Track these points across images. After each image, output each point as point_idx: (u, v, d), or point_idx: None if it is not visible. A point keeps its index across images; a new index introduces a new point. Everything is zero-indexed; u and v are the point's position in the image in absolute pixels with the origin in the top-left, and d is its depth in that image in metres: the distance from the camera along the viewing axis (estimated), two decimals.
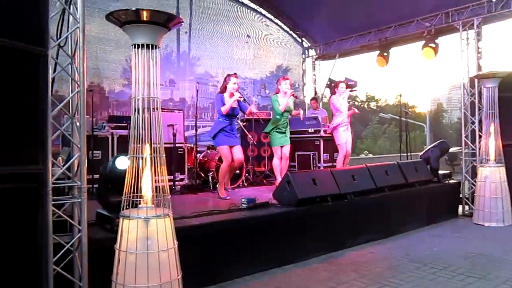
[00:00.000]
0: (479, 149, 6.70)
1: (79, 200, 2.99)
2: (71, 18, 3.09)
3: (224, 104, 5.82)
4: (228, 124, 5.91)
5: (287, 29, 11.04)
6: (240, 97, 5.93)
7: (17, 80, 2.00)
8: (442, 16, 8.07)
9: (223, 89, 5.97)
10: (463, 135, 7.32)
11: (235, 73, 6.08)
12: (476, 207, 6.55)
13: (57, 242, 2.80)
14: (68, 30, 3.09)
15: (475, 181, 6.78)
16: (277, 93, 6.70)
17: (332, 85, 9.41)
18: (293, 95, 6.62)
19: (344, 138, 7.26)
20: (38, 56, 2.14)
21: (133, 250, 2.79)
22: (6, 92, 1.92)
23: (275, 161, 6.71)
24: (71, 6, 3.04)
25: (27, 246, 2.00)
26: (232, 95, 5.87)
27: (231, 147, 5.93)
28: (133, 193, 2.85)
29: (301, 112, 7.21)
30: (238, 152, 5.97)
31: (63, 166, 2.95)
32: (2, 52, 1.94)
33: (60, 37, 3.06)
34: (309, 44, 11.40)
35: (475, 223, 6.47)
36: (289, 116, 6.80)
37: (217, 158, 7.00)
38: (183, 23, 3.12)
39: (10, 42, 1.96)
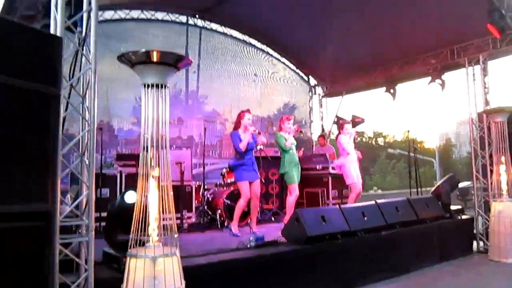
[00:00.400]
0: (491, 183, 6.61)
1: (87, 238, 2.97)
2: (83, 58, 3.17)
3: (241, 141, 5.88)
4: (247, 159, 5.97)
5: (294, 67, 11.21)
6: (255, 131, 5.97)
7: (29, 119, 2.04)
8: (447, 53, 8.17)
9: (237, 125, 6.05)
10: (474, 170, 7.25)
11: (248, 110, 6.20)
12: (491, 243, 6.40)
13: (63, 282, 2.76)
14: (80, 70, 3.17)
15: (488, 217, 6.66)
16: (279, 131, 6.70)
17: (339, 124, 9.46)
18: (297, 131, 6.63)
19: (354, 177, 7.18)
20: (50, 96, 2.18)
21: None
22: (18, 131, 1.95)
23: (293, 199, 6.50)
24: (84, 48, 3.13)
25: (32, 285, 1.97)
26: (246, 128, 5.94)
27: (250, 183, 5.96)
28: (141, 231, 2.82)
29: (301, 152, 7.18)
30: (256, 187, 6.03)
31: (72, 204, 2.95)
32: (16, 92, 1.98)
33: (72, 77, 3.13)
34: (316, 82, 11.54)
35: (491, 260, 6.30)
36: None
37: (225, 196, 6.96)
38: (191, 64, 3.18)
39: (24, 82, 2.00)
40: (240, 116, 6.07)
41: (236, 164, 5.97)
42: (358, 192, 7.19)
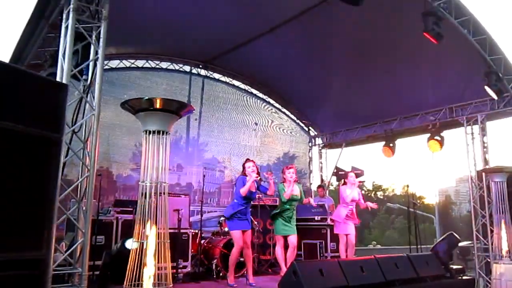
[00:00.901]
0: (492, 244, 6.51)
1: None
2: (87, 105, 3.22)
3: (244, 185, 5.90)
4: (243, 207, 5.95)
5: (294, 118, 11.35)
6: (257, 177, 5.98)
7: (28, 165, 2.03)
8: (446, 111, 8.30)
9: (243, 173, 6.11)
10: (474, 230, 7.17)
11: (247, 159, 6.28)
12: None
13: None
14: (83, 117, 3.21)
15: (490, 278, 6.50)
16: (283, 182, 6.71)
17: (339, 175, 9.47)
18: (295, 181, 6.60)
19: (343, 229, 7.01)
20: (52, 142, 2.18)
21: None
22: (17, 177, 1.94)
23: (278, 250, 6.47)
24: (89, 95, 3.19)
25: None
26: (250, 176, 5.97)
27: (243, 232, 5.91)
28: (136, 280, 2.75)
29: (311, 199, 7.12)
30: (247, 237, 5.99)
31: (66, 251, 2.90)
32: (16, 138, 1.99)
33: (75, 123, 3.16)
34: (316, 133, 11.64)
35: None
36: (297, 204, 6.72)
37: (221, 245, 6.84)
38: (193, 111, 3.23)
39: (26, 128, 2.02)
40: (244, 167, 6.19)
41: (232, 213, 5.93)
42: (345, 243, 6.98)
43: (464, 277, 6.99)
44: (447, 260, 6.87)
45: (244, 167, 6.15)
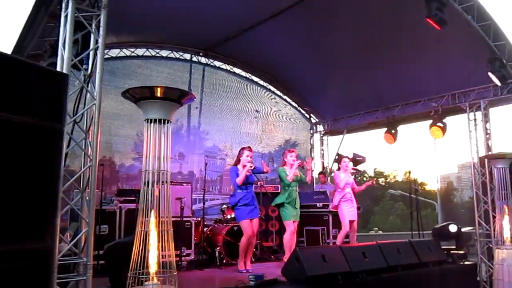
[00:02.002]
0: (494, 230, 6.53)
1: (85, 277, 2.91)
2: (88, 95, 3.21)
3: (238, 176, 5.97)
4: (246, 193, 6.04)
5: (295, 105, 11.32)
6: (251, 167, 6.01)
7: (31, 156, 2.03)
8: (448, 97, 8.27)
9: (237, 161, 6.18)
10: (476, 215, 7.18)
11: (249, 147, 6.34)
12: None
13: None
14: (84, 106, 3.20)
15: (492, 264, 6.54)
16: (283, 165, 6.71)
17: (336, 159, 9.46)
18: (300, 165, 6.60)
19: (347, 215, 7.02)
20: (54, 132, 2.18)
21: None
22: (19, 168, 1.95)
23: (287, 236, 6.48)
24: (90, 85, 3.18)
25: None
26: (244, 166, 6.01)
27: (251, 220, 6.00)
28: (140, 269, 2.77)
29: (307, 163, 7.09)
30: (255, 225, 6.11)
31: (70, 241, 2.91)
32: (17, 128, 1.99)
33: (76, 113, 3.15)
34: (317, 120, 11.62)
35: None
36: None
37: (224, 233, 6.88)
38: (194, 99, 3.22)
39: (28, 118, 2.01)
40: (240, 153, 6.22)
41: (237, 202, 6.01)
42: (347, 230, 6.99)
43: (466, 262, 7.04)
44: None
45: (239, 154, 6.19)
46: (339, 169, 7.40)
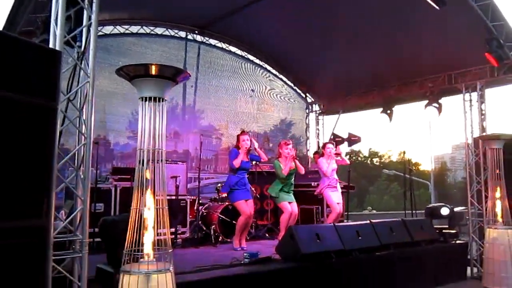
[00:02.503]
0: (486, 209, 6.60)
1: (80, 254, 2.93)
2: (81, 72, 3.18)
3: (236, 158, 6.13)
4: (241, 178, 6.18)
5: (291, 84, 11.26)
6: (246, 148, 6.18)
7: (25, 133, 2.03)
8: (445, 78, 8.24)
9: (237, 146, 6.32)
10: (469, 195, 7.24)
11: (243, 131, 6.47)
12: (485, 270, 6.35)
13: None
14: (78, 84, 3.17)
15: (483, 243, 6.64)
16: (279, 157, 6.70)
17: (339, 141, 9.46)
18: (294, 159, 6.61)
19: (334, 198, 7.09)
20: (48, 110, 2.17)
21: None
22: (14, 145, 1.94)
23: (285, 216, 6.52)
24: (83, 62, 3.14)
25: None
26: (246, 148, 6.22)
27: (246, 200, 6.16)
28: (135, 246, 2.79)
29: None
30: (250, 206, 6.24)
31: (66, 219, 2.92)
32: (13, 106, 1.97)
33: (70, 91, 3.12)
34: (313, 99, 11.59)
35: (485, 287, 6.24)
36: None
37: (219, 211, 6.93)
38: (189, 77, 3.19)
39: (22, 96, 2.00)
40: (237, 139, 6.36)
41: (231, 187, 6.17)
42: (338, 213, 7.06)
43: (458, 241, 7.15)
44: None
45: (238, 139, 6.28)
46: (322, 155, 7.35)
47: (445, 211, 7.37)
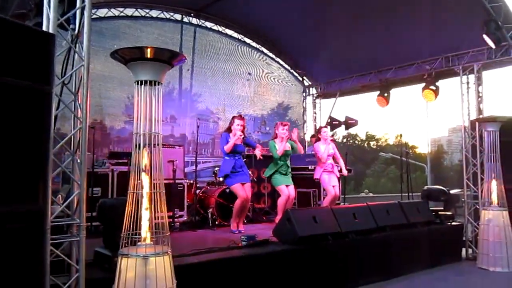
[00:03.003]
0: (481, 192, 6.65)
1: (78, 238, 2.94)
2: (76, 56, 3.14)
3: (227, 143, 6.07)
4: (235, 161, 6.16)
5: (288, 67, 11.21)
6: (241, 135, 6.08)
7: (21, 117, 2.01)
8: (442, 60, 8.22)
9: (228, 129, 6.27)
10: (465, 177, 7.29)
11: (240, 115, 6.39)
12: (480, 251, 6.43)
13: (54, 284, 2.73)
14: (72, 68, 3.14)
15: (478, 224, 6.70)
16: (275, 138, 6.73)
17: (336, 124, 9.47)
18: (289, 138, 6.63)
19: (329, 182, 7.14)
20: (42, 94, 2.15)
21: None
22: (9, 129, 1.93)
23: (282, 199, 6.59)
24: (77, 45, 3.10)
25: None
26: (235, 134, 6.12)
27: (242, 184, 6.14)
28: (133, 230, 2.80)
29: (295, 133, 7.11)
30: (247, 189, 6.22)
31: (63, 203, 2.92)
32: (7, 90, 1.95)
33: (64, 75, 3.09)
34: (310, 83, 11.55)
35: (479, 268, 6.33)
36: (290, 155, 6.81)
37: (217, 195, 6.96)
38: (185, 61, 3.17)
39: (15, 80, 1.98)
40: (231, 122, 6.31)
41: (226, 174, 6.16)
42: (333, 196, 7.13)
43: (453, 223, 7.22)
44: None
45: (231, 123, 6.25)
46: (318, 139, 7.36)
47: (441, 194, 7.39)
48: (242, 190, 6.10)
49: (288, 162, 6.79)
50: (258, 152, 6.36)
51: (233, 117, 6.33)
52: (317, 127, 11.51)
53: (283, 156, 6.59)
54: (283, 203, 6.54)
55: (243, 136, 6.19)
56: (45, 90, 2.16)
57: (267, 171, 6.76)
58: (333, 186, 7.11)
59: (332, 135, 7.68)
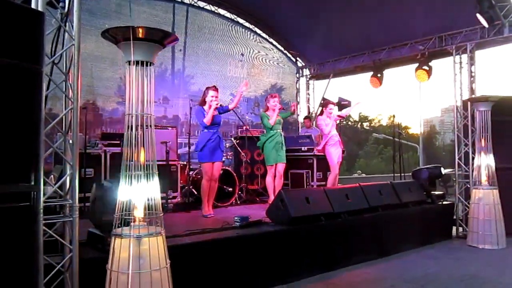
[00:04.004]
0: (472, 171, 6.72)
1: (71, 219, 2.94)
2: (66, 35, 3.09)
3: (205, 116, 5.88)
4: (213, 133, 5.92)
5: (282, 48, 11.14)
6: (217, 104, 5.95)
7: (10, 97, 1.98)
8: (435, 40, 8.20)
9: (202, 102, 6.05)
10: (456, 157, 7.35)
11: (214, 86, 6.14)
12: (470, 229, 6.54)
13: (47, 263, 2.74)
14: (63, 47, 3.09)
15: (468, 203, 6.79)
16: (266, 110, 6.81)
17: (321, 104, 9.48)
18: (281, 108, 6.72)
19: (335, 157, 7.22)
20: (32, 73, 2.12)
21: (125, 270, 2.74)
22: None
23: (268, 179, 6.76)
24: (67, 24, 3.05)
25: (17, 267, 1.95)
26: (210, 107, 5.92)
27: (213, 163, 5.94)
28: (126, 211, 2.81)
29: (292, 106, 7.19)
30: (215, 169, 5.99)
31: (55, 184, 2.91)
32: None
33: (55, 54, 3.05)
34: (303, 64, 11.50)
35: (469, 245, 6.44)
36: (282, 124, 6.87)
37: None
38: (178, 41, 3.13)
39: (3, 59, 1.94)
40: (204, 93, 6.06)
41: (206, 143, 5.86)
42: (337, 173, 7.26)
43: (444, 202, 7.30)
44: (428, 186, 7.12)
45: (204, 94, 6.02)
46: (322, 113, 7.42)
47: (425, 173, 7.41)
48: (210, 170, 5.86)
49: (281, 132, 6.81)
50: (234, 103, 6.19)
51: (207, 88, 6.06)
52: (311, 109, 11.53)
53: (275, 125, 6.66)
54: (270, 182, 6.72)
55: (219, 104, 5.96)
56: (34, 69, 2.13)
57: (260, 142, 6.86)
58: (338, 163, 7.23)
59: (341, 117, 7.71)
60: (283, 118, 6.94)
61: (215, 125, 5.99)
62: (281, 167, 6.73)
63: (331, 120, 7.24)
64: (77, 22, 3.05)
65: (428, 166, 7.82)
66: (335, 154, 7.18)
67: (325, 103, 7.74)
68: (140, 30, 2.82)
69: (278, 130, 6.75)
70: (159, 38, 2.89)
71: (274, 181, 6.71)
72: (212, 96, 5.93)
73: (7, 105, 1.96)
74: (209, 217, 5.84)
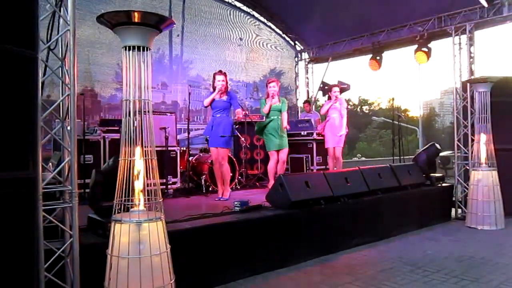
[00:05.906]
0: (472, 152, 6.72)
1: (70, 205, 2.94)
2: (61, 20, 3.06)
3: (208, 97, 6.07)
4: (214, 119, 6.02)
5: (280, 32, 11.06)
6: (220, 90, 5.95)
7: (5, 83, 1.96)
8: (434, 21, 8.13)
9: (212, 87, 6.16)
10: (456, 139, 7.34)
11: (220, 70, 6.16)
12: (469, 210, 6.57)
13: (48, 249, 2.75)
14: (58, 33, 3.06)
15: (467, 185, 6.81)
16: (267, 97, 6.76)
17: (321, 88, 9.51)
18: (272, 96, 6.58)
19: (330, 142, 7.33)
20: (27, 59, 2.09)
21: (125, 255, 2.76)
22: None
23: (271, 164, 6.72)
24: (62, 9, 3.01)
25: (17, 253, 1.95)
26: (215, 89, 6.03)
27: (217, 148, 6.05)
28: (125, 197, 2.81)
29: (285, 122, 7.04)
30: (218, 154, 6.05)
31: (54, 170, 2.91)
32: None
33: (50, 40, 3.02)
34: (302, 47, 11.43)
35: (468, 226, 6.48)
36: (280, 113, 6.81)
37: (210, 161, 6.97)
38: (174, 25, 3.10)
39: None
40: (213, 80, 6.15)
41: (208, 128, 6.11)
42: (333, 156, 7.34)
43: (444, 184, 7.32)
44: (427, 169, 7.13)
45: (213, 80, 6.10)
46: (329, 98, 7.56)
47: (422, 156, 7.40)
48: (213, 154, 6.10)
49: (279, 118, 6.71)
50: (240, 114, 6.47)
51: (214, 74, 6.12)
52: (310, 93, 11.49)
53: (271, 111, 6.63)
54: (272, 167, 6.70)
55: (222, 89, 5.94)
56: (28, 55, 2.10)
57: (256, 129, 6.98)
58: (334, 148, 7.29)
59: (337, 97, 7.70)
60: (282, 110, 6.73)
61: (217, 110, 6.04)
62: (283, 152, 6.72)
63: (333, 103, 7.37)
64: (72, 7, 3.01)
65: (424, 147, 7.83)
66: (328, 137, 7.34)
67: (329, 87, 7.79)
68: (136, 14, 2.79)
69: (275, 117, 6.69)
70: (155, 22, 2.86)
71: (276, 167, 6.68)
72: (218, 81, 6.00)
73: (3, 92, 1.95)
74: (222, 200, 5.96)
